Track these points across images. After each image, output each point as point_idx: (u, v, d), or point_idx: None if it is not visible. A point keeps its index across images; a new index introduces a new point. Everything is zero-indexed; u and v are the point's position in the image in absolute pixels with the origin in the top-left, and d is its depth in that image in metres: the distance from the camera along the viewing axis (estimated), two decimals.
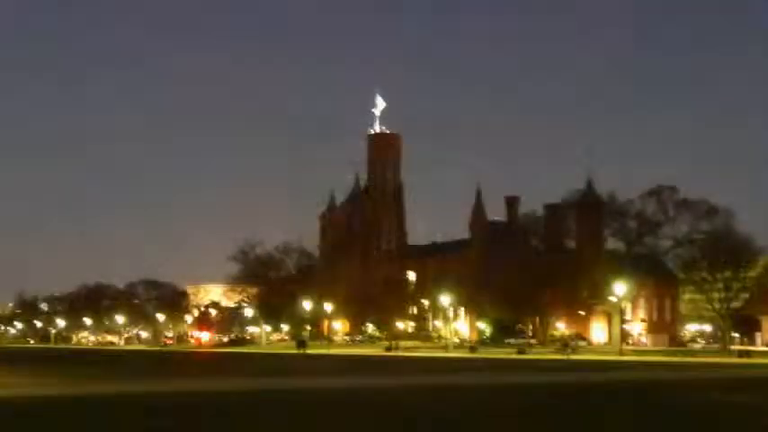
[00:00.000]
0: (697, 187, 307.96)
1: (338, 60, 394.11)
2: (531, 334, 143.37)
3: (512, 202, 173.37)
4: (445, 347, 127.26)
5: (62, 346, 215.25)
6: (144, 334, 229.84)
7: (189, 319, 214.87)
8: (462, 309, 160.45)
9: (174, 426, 25.96)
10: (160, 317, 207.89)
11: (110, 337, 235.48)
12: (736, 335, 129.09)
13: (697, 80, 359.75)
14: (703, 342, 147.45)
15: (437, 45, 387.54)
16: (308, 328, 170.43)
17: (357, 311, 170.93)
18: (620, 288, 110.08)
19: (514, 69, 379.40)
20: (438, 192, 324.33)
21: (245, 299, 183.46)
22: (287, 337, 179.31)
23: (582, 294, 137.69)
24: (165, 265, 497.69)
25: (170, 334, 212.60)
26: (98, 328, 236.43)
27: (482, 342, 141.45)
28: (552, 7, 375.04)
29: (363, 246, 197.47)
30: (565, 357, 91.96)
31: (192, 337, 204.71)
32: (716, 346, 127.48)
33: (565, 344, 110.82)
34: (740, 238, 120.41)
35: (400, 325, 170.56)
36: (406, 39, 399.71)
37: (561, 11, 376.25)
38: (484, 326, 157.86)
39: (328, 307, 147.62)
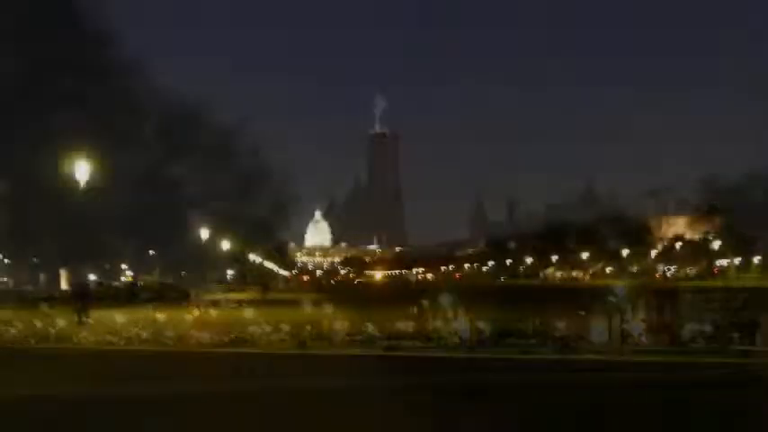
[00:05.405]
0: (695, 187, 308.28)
1: (339, 60, 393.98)
2: (530, 334, 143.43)
3: (512, 204, 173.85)
4: (445, 348, 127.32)
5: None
6: (143, 334, 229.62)
7: None
8: (462, 309, 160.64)
9: (175, 425, 25.94)
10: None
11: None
12: (736, 335, 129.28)
13: (696, 81, 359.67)
14: (703, 342, 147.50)
15: (437, 45, 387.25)
16: (308, 327, 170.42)
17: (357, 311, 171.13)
18: (620, 288, 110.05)
19: (515, 70, 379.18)
20: (438, 192, 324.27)
21: None
22: (286, 338, 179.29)
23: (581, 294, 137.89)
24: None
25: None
26: None
27: (482, 342, 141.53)
28: (551, 8, 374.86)
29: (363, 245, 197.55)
30: (565, 357, 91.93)
31: None
32: (716, 346, 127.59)
33: (565, 344, 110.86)
34: (740, 237, 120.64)
35: (400, 325, 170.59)
36: (406, 39, 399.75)
37: (561, 13, 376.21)
38: (484, 326, 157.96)
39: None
